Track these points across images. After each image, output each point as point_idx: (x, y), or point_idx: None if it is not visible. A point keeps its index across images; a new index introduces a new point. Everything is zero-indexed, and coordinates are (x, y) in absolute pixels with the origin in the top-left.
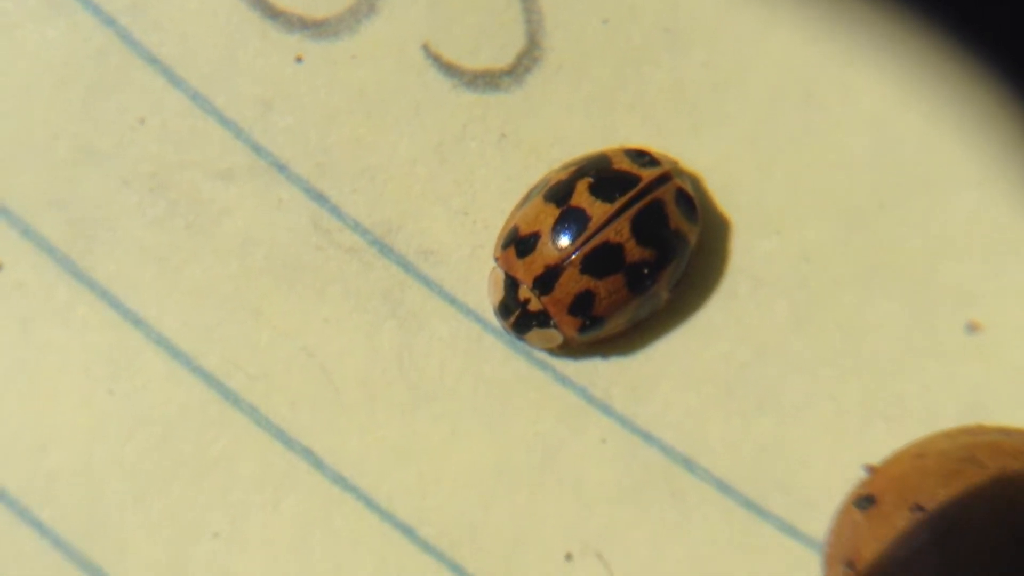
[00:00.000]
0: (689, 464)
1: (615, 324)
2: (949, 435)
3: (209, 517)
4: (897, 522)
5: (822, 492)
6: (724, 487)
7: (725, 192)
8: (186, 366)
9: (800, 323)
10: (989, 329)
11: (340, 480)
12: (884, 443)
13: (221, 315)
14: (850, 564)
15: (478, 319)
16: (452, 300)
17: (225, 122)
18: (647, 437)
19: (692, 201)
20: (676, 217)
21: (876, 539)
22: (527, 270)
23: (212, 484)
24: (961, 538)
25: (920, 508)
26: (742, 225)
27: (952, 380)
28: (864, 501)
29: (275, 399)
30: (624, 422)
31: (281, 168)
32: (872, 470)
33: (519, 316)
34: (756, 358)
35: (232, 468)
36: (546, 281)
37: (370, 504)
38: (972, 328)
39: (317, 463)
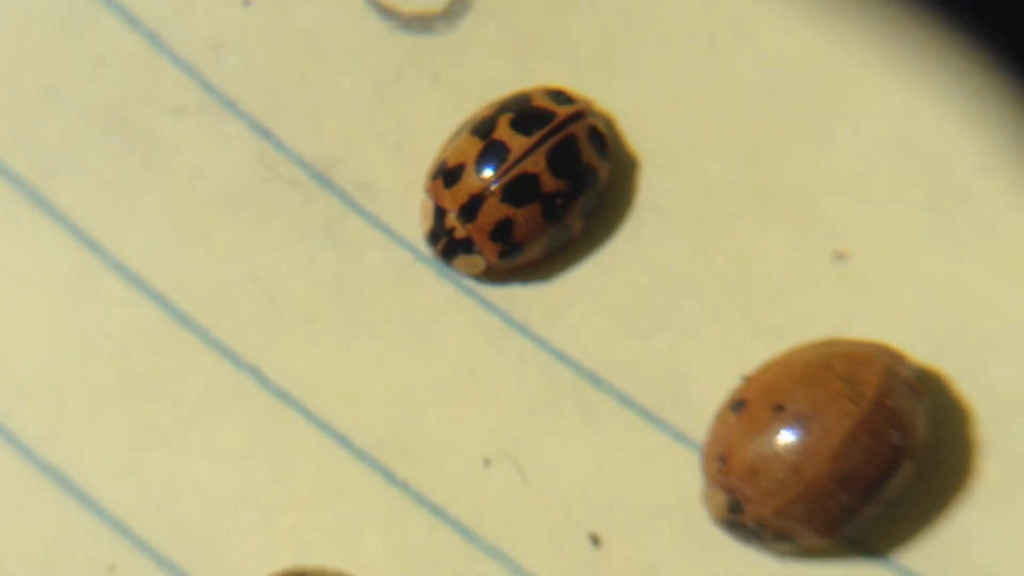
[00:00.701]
0: (596, 380)
1: (532, 251)
2: (812, 347)
3: (161, 428)
4: (761, 420)
5: (708, 402)
6: (625, 400)
7: (636, 132)
8: (140, 289)
9: (698, 253)
10: (856, 258)
11: (283, 395)
12: (762, 358)
13: (173, 242)
14: (723, 459)
15: (411, 248)
16: (387, 231)
17: (178, 62)
18: (560, 356)
19: (603, 138)
20: (588, 152)
21: (745, 436)
22: (453, 199)
23: (164, 398)
24: (811, 429)
25: (781, 407)
26: (650, 163)
27: (822, 303)
28: (737, 405)
29: (223, 320)
30: (540, 342)
31: (230, 105)
32: (747, 379)
33: (446, 243)
34: (657, 284)
35: (183, 383)
36: (470, 209)
37: (310, 416)
38: (841, 257)
39: (261, 379)
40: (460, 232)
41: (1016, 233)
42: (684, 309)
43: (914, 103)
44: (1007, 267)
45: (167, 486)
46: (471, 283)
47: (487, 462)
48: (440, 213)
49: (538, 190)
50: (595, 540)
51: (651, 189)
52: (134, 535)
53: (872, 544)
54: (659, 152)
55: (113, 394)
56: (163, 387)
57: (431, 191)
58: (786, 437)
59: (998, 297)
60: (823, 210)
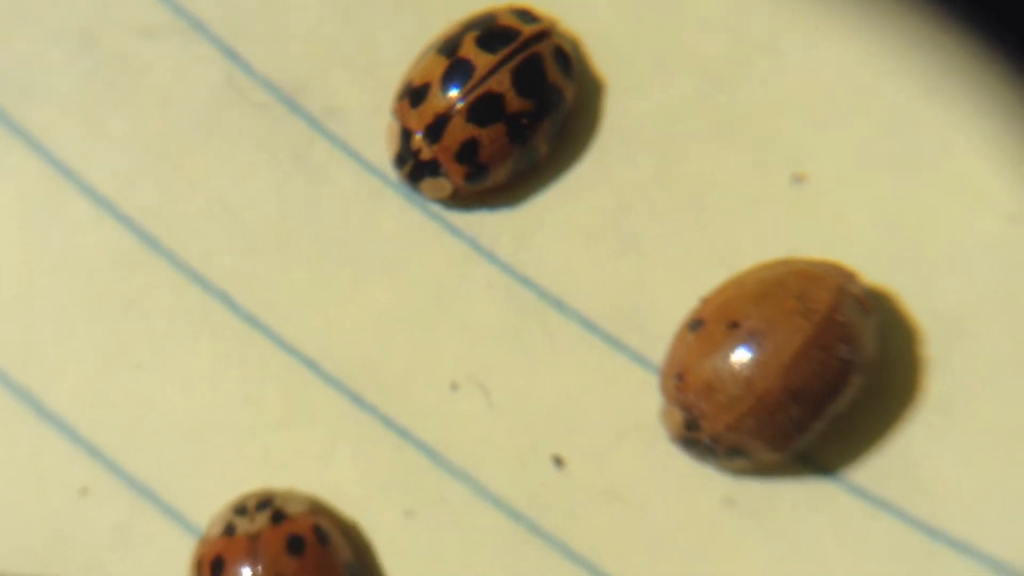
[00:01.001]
0: (560, 305)
1: (498, 174)
2: (767, 266)
3: (131, 350)
4: (717, 338)
5: (669, 326)
6: (589, 325)
7: (601, 54)
8: (110, 212)
9: (662, 176)
10: (813, 180)
11: (251, 319)
12: (721, 280)
13: (143, 166)
14: (679, 376)
15: (379, 174)
16: (356, 156)
17: None
18: (526, 282)
19: (568, 58)
20: (553, 71)
21: (700, 354)
22: (419, 119)
23: (134, 320)
24: (764, 344)
25: (736, 325)
26: (615, 87)
27: (779, 225)
28: (695, 324)
29: (192, 245)
30: (506, 268)
31: (199, 27)
32: (704, 300)
33: (413, 166)
34: (621, 208)
35: (152, 306)
36: (435, 130)
37: (279, 341)
38: (798, 179)
39: (230, 304)
40: (426, 154)
41: (964, 155)
42: (647, 233)
43: (869, 28)
44: (956, 188)
45: (138, 409)
46: (438, 209)
47: (454, 386)
48: (406, 135)
49: (503, 109)
50: (558, 462)
51: (616, 112)
52: (106, 458)
53: (822, 461)
54: (624, 75)
55: (83, 318)
56: (133, 311)
57: (397, 112)
58: (740, 353)
59: (947, 218)
60: (782, 133)
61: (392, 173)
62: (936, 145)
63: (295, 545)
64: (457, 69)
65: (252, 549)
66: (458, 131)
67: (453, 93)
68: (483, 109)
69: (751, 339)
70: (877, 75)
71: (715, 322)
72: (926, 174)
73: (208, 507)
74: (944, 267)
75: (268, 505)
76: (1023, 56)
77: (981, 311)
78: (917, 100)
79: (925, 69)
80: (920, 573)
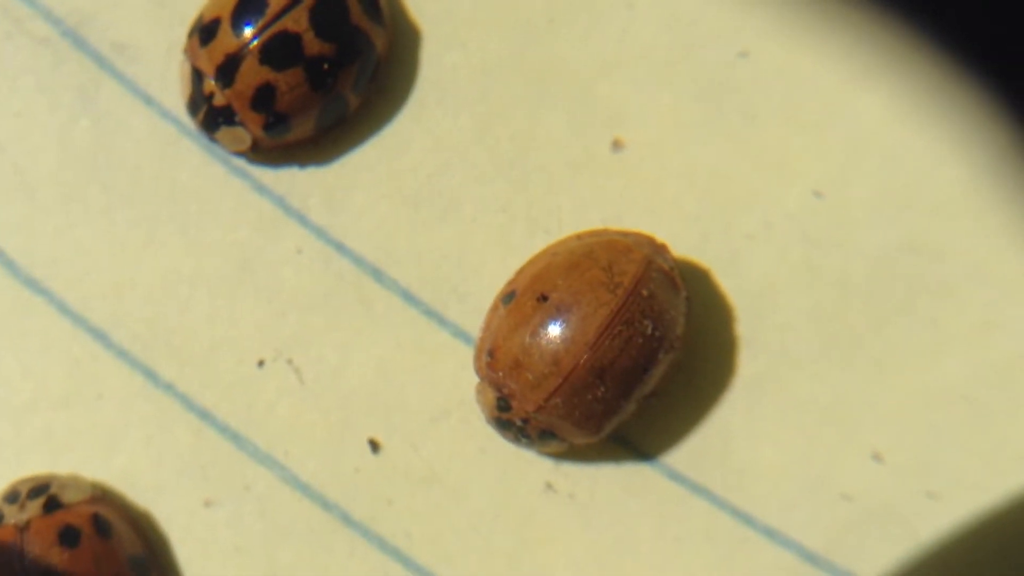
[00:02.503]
0: (378, 274)
1: (303, 126)
2: (580, 236)
3: None
4: (527, 311)
5: (490, 298)
6: (409, 296)
7: (417, 3)
8: None
9: (481, 135)
10: (631, 147)
11: (32, 282)
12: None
13: None
14: (491, 353)
15: (175, 121)
16: (148, 99)
17: None
18: (340, 248)
19: (375, 1)
20: (358, 14)
21: (511, 328)
22: (209, 59)
23: None
24: (570, 319)
25: (545, 297)
26: (431, 37)
27: (598, 193)
28: (508, 297)
29: None
30: (319, 233)
31: None
32: (519, 270)
33: (207, 112)
34: (442, 169)
35: None
36: (227, 71)
37: (62, 308)
38: (617, 145)
39: (8, 263)
40: (219, 99)
41: (773, 125)
42: (467, 197)
43: None
44: (765, 160)
45: None
46: (243, 163)
47: (261, 363)
48: (198, 76)
49: (300, 52)
50: (374, 445)
51: (433, 65)
52: None
53: (639, 444)
54: (439, 25)
55: None
56: None
57: (188, 50)
58: (547, 328)
59: (758, 190)
60: (601, 95)
61: (190, 120)
62: (747, 114)
63: (69, 536)
64: (249, 4)
65: (19, 539)
66: (251, 74)
67: (246, 32)
68: (278, 51)
69: (558, 313)
70: (691, 39)
71: (526, 294)
72: (738, 144)
73: None
74: (753, 240)
75: (42, 492)
76: (835, 25)
77: (788, 287)
78: (729, 66)
79: (737, 33)
80: (732, 558)
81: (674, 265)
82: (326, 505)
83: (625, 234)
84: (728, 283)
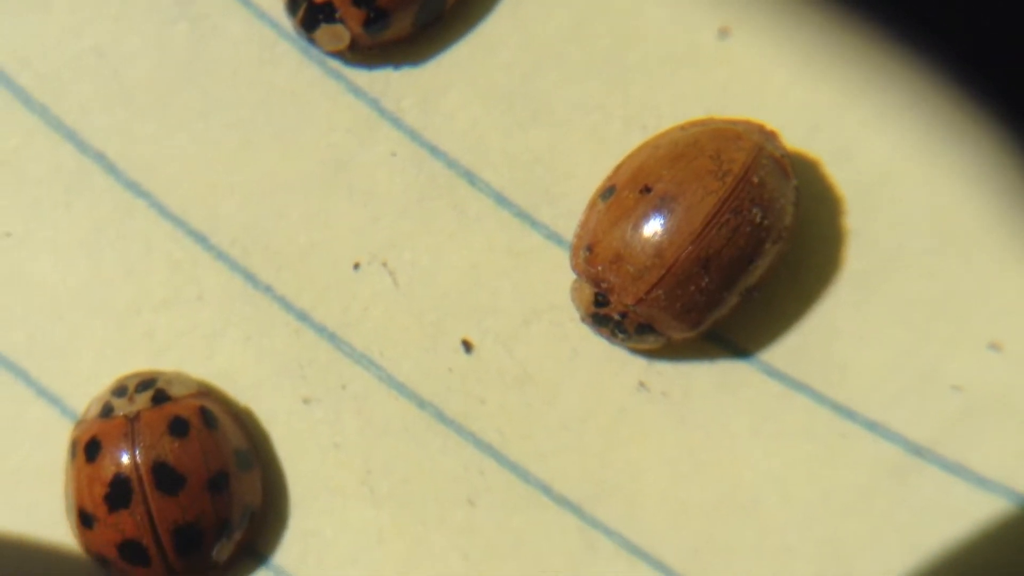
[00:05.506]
0: (471, 177)
1: (401, 22)
2: (683, 127)
3: (1, 216)
4: (628, 204)
5: (583, 200)
6: (501, 199)
7: None
8: None
9: (577, 31)
10: (737, 34)
11: (133, 186)
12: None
13: (7, 8)
14: (589, 248)
15: (272, 23)
16: (246, 1)
17: None
18: (434, 150)
19: None
20: None
21: (611, 222)
22: None
23: (3, 183)
24: (674, 209)
25: (648, 189)
26: None
27: (702, 85)
28: (607, 192)
29: (66, 99)
30: (413, 135)
31: None
32: (618, 165)
33: (307, 9)
34: (535, 68)
35: (23, 168)
36: None
37: (163, 211)
38: (723, 33)
39: (110, 167)
40: None
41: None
42: (562, 97)
43: None
44: (876, 50)
45: (7, 283)
46: (338, 65)
47: (356, 265)
48: None
49: None
50: (467, 346)
51: None
52: None
53: (735, 341)
54: None
55: None
56: (1, 172)
57: None
58: (650, 219)
59: (870, 82)
60: None
61: (287, 23)
62: None
63: (178, 427)
64: None
65: (130, 430)
66: None
67: None
68: None
69: (662, 204)
70: None
71: (627, 188)
72: (854, 27)
73: (87, 390)
74: (868, 129)
75: (150, 386)
76: None
77: (902, 178)
78: None
79: None
80: (832, 453)
81: (785, 153)
82: (421, 403)
83: (733, 122)
84: (839, 174)
